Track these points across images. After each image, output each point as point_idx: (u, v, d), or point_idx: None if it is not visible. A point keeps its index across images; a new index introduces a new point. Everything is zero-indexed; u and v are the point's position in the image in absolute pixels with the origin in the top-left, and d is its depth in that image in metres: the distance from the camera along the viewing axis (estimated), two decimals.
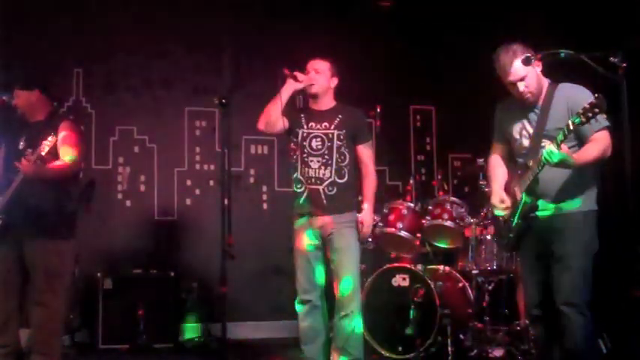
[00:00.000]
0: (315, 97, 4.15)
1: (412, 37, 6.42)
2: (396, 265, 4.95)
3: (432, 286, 4.72)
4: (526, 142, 3.43)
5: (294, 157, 4.13)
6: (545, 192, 3.33)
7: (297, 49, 5.96)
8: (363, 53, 6.25)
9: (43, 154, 3.67)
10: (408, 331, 4.63)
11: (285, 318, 5.18)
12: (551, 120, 3.32)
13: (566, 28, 5.59)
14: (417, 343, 4.61)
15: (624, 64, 3.00)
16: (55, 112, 4.18)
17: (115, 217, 5.86)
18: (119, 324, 5.26)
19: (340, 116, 4.11)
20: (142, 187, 5.96)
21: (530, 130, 3.40)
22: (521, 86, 3.31)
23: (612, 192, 3.54)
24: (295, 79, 4.03)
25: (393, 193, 6.02)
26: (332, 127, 4.09)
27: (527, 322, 4.52)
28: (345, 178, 4.07)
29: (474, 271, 4.92)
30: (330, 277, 4.11)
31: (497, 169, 3.64)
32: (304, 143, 4.08)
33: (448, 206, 5.00)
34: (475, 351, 4.68)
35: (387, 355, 4.75)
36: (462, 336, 4.78)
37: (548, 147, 3.10)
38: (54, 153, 3.79)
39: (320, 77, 4.10)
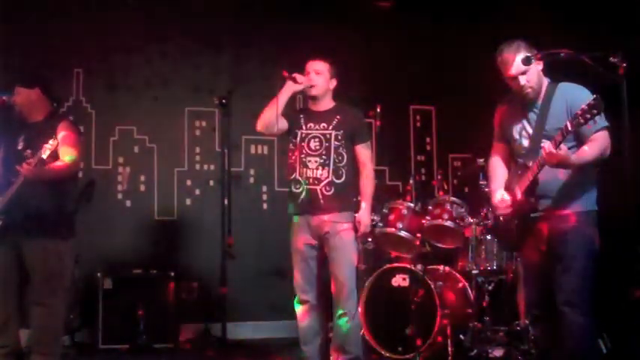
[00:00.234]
0: (314, 98, 4.15)
1: (412, 37, 6.42)
2: (396, 265, 4.95)
3: (432, 286, 4.72)
4: (526, 142, 3.43)
5: (293, 157, 4.13)
6: (545, 192, 3.33)
7: (297, 49, 5.98)
8: (363, 53, 6.26)
9: (44, 157, 3.66)
10: (408, 331, 4.63)
11: (285, 318, 5.17)
12: (550, 120, 3.32)
13: (566, 28, 5.58)
14: (417, 343, 4.61)
15: (624, 64, 3.00)
16: (54, 112, 4.18)
17: (115, 217, 5.85)
18: (119, 324, 5.26)
19: (338, 116, 4.12)
20: (142, 187, 5.96)
21: (530, 130, 3.41)
22: (522, 80, 3.30)
23: (612, 192, 3.53)
24: (295, 80, 4.03)
25: (393, 193, 6.01)
26: (330, 127, 4.09)
27: (527, 322, 4.52)
28: (343, 179, 4.07)
29: (474, 271, 4.92)
30: (328, 276, 4.11)
31: (498, 169, 3.64)
32: (302, 144, 4.09)
33: (448, 206, 5.00)
34: (475, 351, 4.67)
35: (387, 355, 4.75)
36: (462, 336, 4.78)
37: (547, 147, 3.10)
38: (54, 155, 3.79)
39: (319, 78, 4.11)
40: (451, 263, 5.19)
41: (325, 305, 4.19)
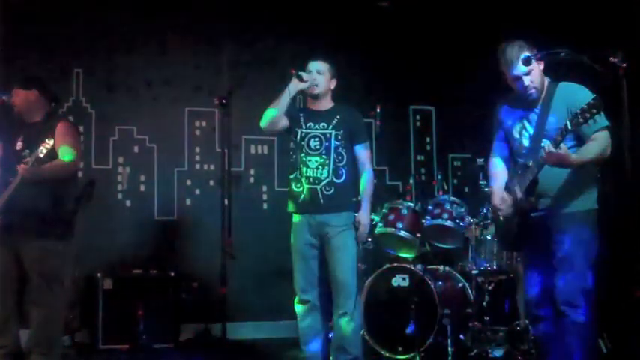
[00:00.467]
0: (315, 97, 4.16)
1: (412, 37, 6.42)
2: (396, 265, 4.95)
3: (432, 286, 4.72)
4: (526, 142, 3.43)
5: (293, 156, 4.14)
6: (546, 192, 3.33)
7: (297, 49, 6.01)
8: (363, 53, 6.25)
9: (41, 156, 3.67)
10: (408, 331, 4.63)
11: (285, 318, 5.17)
12: (550, 120, 3.32)
13: (566, 28, 5.58)
14: (417, 343, 4.61)
15: (624, 64, 3.00)
16: (53, 113, 4.18)
17: (115, 217, 5.85)
18: (119, 324, 5.26)
19: (338, 116, 4.12)
20: (142, 187, 5.96)
21: (530, 130, 3.41)
22: (526, 80, 3.30)
23: (612, 192, 3.54)
24: (301, 79, 4.04)
25: (393, 193, 6.02)
26: (330, 127, 4.10)
27: (527, 322, 4.52)
28: (343, 178, 4.08)
29: (474, 271, 4.92)
30: (329, 276, 4.11)
31: (497, 169, 3.63)
32: (302, 143, 4.09)
33: (448, 206, 5.00)
34: (475, 351, 4.67)
35: (387, 355, 4.75)
36: (462, 336, 4.78)
37: (547, 146, 3.10)
38: (52, 155, 3.80)
39: (321, 78, 4.12)
40: (451, 263, 5.19)
41: (325, 305, 4.19)
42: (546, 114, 3.34)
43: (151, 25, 6.00)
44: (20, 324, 4.03)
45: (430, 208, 5.06)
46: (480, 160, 4.88)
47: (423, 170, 6.60)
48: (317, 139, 4.09)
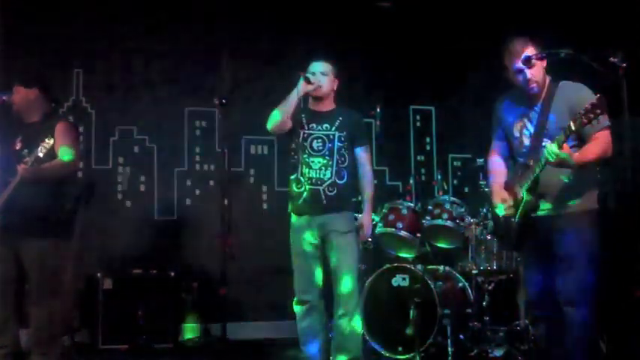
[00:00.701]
0: (319, 98, 4.16)
1: (412, 37, 6.42)
2: (396, 265, 4.95)
3: (432, 286, 4.72)
4: (526, 141, 3.42)
5: (295, 157, 4.13)
6: (547, 191, 3.32)
7: (297, 50, 6.01)
8: (363, 53, 6.25)
9: (40, 155, 3.67)
10: (408, 331, 4.62)
11: (285, 318, 5.17)
12: (551, 119, 3.31)
13: (566, 28, 5.58)
14: (417, 343, 4.61)
15: (624, 64, 3.00)
16: (52, 113, 4.18)
17: (115, 217, 5.85)
18: (119, 324, 5.26)
19: (341, 118, 4.13)
20: (142, 187, 5.96)
21: (531, 129, 3.39)
22: (528, 74, 3.29)
23: (612, 192, 3.54)
24: (308, 81, 4.03)
25: (393, 193, 6.02)
26: (333, 128, 4.10)
27: (527, 322, 4.52)
28: (345, 179, 4.08)
29: (474, 271, 4.92)
30: (329, 276, 4.11)
31: (497, 167, 3.62)
32: (305, 144, 4.09)
33: (448, 206, 5.00)
34: (475, 351, 4.68)
35: (387, 355, 4.75)
36: (461, 336, 4.78)
37: (549, 146, 3.09)
38: (51, 154, 3.80)
39: (325, 79, 4.12)
40: (451, 263, 5.19)
41: (325, 305, 4.19)
42: (547, 113, 3.33)
43: (151, 24, 5.99)
44: (20, 324, 4.03)
45: (430, 208, 5.06)
46: (480, 160, 4.89)
47: (423, 170, 6.60)
48: (320, 140, 4.10)
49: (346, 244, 4.05)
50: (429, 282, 4.74)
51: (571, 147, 3.20)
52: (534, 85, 3.32)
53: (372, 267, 5.04)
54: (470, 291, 4.93)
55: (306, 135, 4.11)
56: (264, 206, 6.20)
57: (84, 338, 5.35)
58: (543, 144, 3.24)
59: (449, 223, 4.94)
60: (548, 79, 3.40)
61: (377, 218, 4.94)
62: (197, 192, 6.06)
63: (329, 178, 4.05)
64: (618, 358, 4.32)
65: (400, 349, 4.71)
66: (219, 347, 5.13)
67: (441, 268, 5.10)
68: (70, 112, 5.77)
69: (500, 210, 3.49)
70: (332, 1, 6.23)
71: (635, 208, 3.25)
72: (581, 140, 3.28)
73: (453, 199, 5.09)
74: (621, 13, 5.54)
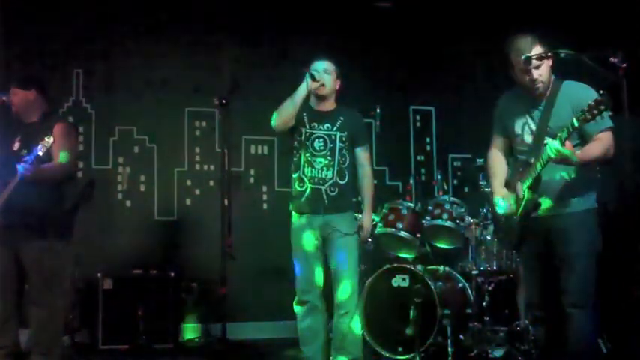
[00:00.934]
0: (321, 98, 4.16)
1: (412, 38, 6.42)
2: (396, 265, 4.94)
3: (432, 286, 4.72)
4: (528, 139, 3.40)
5: (297, 155, 4.14)
6: (547, 190, 3.31)
7: (297, 50, 6.00)
8: (363, 53, 6.25)
9: (40, 154, 3.67)
10: (408, 331, 4.62)
11: (285, 318, 5.16)
12: (554, 117, 3.29)
13: (566, 28, 5.58)
14: (417, 343, 4.61)
15: (624, 64, 2.99)
16: (50, 113, 4.18)
17: (115, 217, 5.85)
18: (119, 324, 5.26)
19: (342, 118, 4.13)
20: (142, 187, 5.96)
21: (533, 127, 3.37)
22: (535, 73, 3.26)
23: (612, 192, 3.54)
24: (314, 78, 4.03)
25: (393, 193, 6.02)
26: (334, 128, 4.11)
27: (527, 322, 4.52)
28: (346, 179, 4.10)
29: (474, 271, 4.92)
30: (330, 276, 4.11)
31: (498, 164, 3.61)
32: (307, 143, 4.10)
33: (448, 206, 5.00)
34: (475, 351, 4.67)
35: (387, 355, 4.75)
36: (461, 336, 4.78)
37: (552, 143, 3.07)
38: (50, 153, 3.80)
39: (329, 78, 4.12)
40: (451, 263, 5.19)
41: (325, 305, 4.19)
42: (550, 111, 3.31)
43: (151, 24, 5.99)
44: (20, 324, 4.03)
45: (430, 208, 5.06)
46: (480, 160, 4.88)
47: (423, 170, 6.59)
48: (321, 140, 4.10)
49: (347, 245, 4.05)
50: (429, 282, 4.73)
51: (574, 146, 3.18)
52: (540, 84, 3.30)
53: (372, 267, 5.03)
54: (470, 291, 4.93)
55: (308, 134, 4.11)
56: (264, 206, 6.19)
57: (84, 338, 5.35)
58: (545, 142, 3.23)
59: (449, 224, 4.94)
60: (552, 77, 3.39)
61: (377, 218, 4.94)
62: (197, 192, 6.06)
63: (331, 178, 4.05)
64: (618, 358, 4.33)
65: (400, 349, 4.71)
66: (219, 347, 5.12)
67: (441, 268, 5.10)
68: (70, 112, 5.77)
69: (500, 207, 3.47)
70: (332, 1, 6.23)
71: (635, 208, 3.25)
72: (582, 140, 3.27)
73: (453, 199, 5.09)
74: (621, 13, 5.54)
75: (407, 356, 4.67)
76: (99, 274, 5.34)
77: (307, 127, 4.12)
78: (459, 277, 5.04)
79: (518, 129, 3.45)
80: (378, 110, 5.19)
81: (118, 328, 5.25)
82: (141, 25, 5.98)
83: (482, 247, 4.95)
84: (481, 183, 4.99)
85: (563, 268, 3.28)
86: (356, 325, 4.10)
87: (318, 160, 4.07)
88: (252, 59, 6.20)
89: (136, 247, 5.78)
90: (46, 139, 3.69)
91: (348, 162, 4.11)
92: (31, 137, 3.87)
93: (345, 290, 4.04)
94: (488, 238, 4.93)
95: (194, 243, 5.92)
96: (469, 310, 4.87)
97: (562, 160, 3.11)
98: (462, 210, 5.02)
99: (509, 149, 3.58)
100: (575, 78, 3.40)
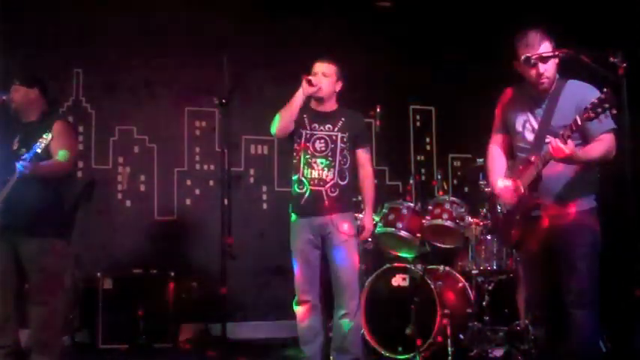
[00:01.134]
0: (320, 100, 4.16)
1: (412, 37, 6.42)
2: (396, 265, 4.94)
3: (432, 286, 4.72)
4: (529, 136, 3.38)
5: (296, 157, 4.13)
6: (548, 189, 3.29)
7: (297, 50, 6.00)
8: (363, 53, 6.25)
9: (38, 151, 3.67)
10: (408, 331, 4.63)
11: (285, 318, 5.17)
12: (557, 116, 3.28)
13: (566, 28, 5.58)
14: (417, 343, 4.61)
15: (624, 64, 2.99)
16: (50, 113, 4.18)
17: (115, 217, 5.85)
18: (119, 324, 5.26)
19: (343, 119, 4.14)
20: (142, 187, 5.96)
21: (535, 124, 3.35)
22: (542, 67, 3.23)
23: (612, 192, 3.53)
24: (310, 83, 4.03)
25: (393, 193, 6.02)
26: (335, 129, 4.11)
27: (527, 322, 4.52)
28: (347, 180, 4.10)
29: (474, 271, 4.92)
30: (329, 276, 4.11)
31: (497, 159, 3.58)
32: (307, 144, 4.10)
33: (448, 206, 5.00)
34: (475, 351, 4.67)
35: (387, 355, 4.75)
36: (461, 336, 4.78)
37: (554, 141, 3.05)
38: (49, 151, 3.80)
39: (327, 80, 4.12)
40: (451, 263, 5.19)
41: (325, 305, 4.19)
42: (553, 110, 3.29)
43: (151, 25, 5.99)
44: (20, 324, 4.03)
45: (430, 208, 5.05)
46: (480, 160, 4.86)
47: (423, 170, 6.60)
48: (322, 141, 4.10)
49: (347, 245, 4.05)
50: (429, 282, 4.73)
51: (576, 145, 3.17)
52: (546, 79, 3.27)
53: (372, 267, 5.04)
54: (470, 291, 4.93)
55: (308, 135, 4.11)
56: (264, 206, 6.20)
57: (84, 338, 5.35)
58: (546, 140, 3.22)
59: (449, 223, 4.94)
60: (556, 76, 3.37)
61: (377, 218, 4.94)
62: (197, 192, 6.07)
63: (331, 179, 4.06)
64: (618, 358, 4.32)
65: (400, 349, 4.71)
66: (219, 347, 5.13)
67: (441, 268, 5.10)
68: (70, 112, 5.77)
69: (505, 200, 3.43)
70: (332, 0, 6.23)
71: (635, 208, 3.24)
72: (585, 140, 3.25)
73: (453, 199, 5.08)
74: (621, 13, 5.54)
75: (407, 356, 4.67)
76: (99, 274, 5.34)
77: (308, 128, 4.12)
78: (459, 277, 5.04)
79: (519, 126, 3.43)
80: (378, 110, 5.19)
81: (118, 328, 5.25)
82: (141, 25, 5.98)
83: (482, 247, 4.95)
84: (481, 183, 4.99)
85: (563, 268, 3.27)
86: (356, 324, 4.10)
87: (319, 160, 4.07)
88: (252, 59, 6.20)
89: (136, 247, 5.79)
90: (44, 136, 3.69)
91: (348, 163, 4.11)
92: (30, 136, 3.86)
93: (345, 290, 4.04)
94: (488, 237, 4.93)
95: (194, 243, 5.92)
96: (469, 310, 4.87)
97: (564, 158, 3.09)
98: (462, 210, 5.01)
99: (509, 145, 3.56)
100: (574, 78, 3.39)
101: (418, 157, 6.64)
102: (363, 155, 4.18)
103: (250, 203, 6.11)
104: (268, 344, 5.63)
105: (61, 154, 3.88)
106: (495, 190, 3.50)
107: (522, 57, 3.23)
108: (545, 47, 3.23)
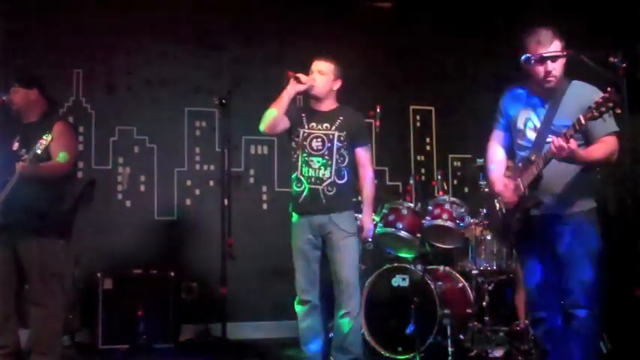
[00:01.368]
0: (316, 98, 4.15)
1: (412, 37, 6.42)
2: (396, 265, 4.95)
3: (432, 286, 4.72)
4: (530, 135, 3.37)
5: (295, 156, 4.14)
6: (548, 189, 3.28)
7: (297, 49, 6.00)
8: (363, 53, 6.25)
9: (38, 152, 3.67)
10: (408, 331, 4.63)
11: (285, 318, 5.18)
12: (560, 116, 3.26)
13: (566, 28, 5.58)
14: (417, 343, 4.61)
15: (624, 64, 2.98)
16: (50, 113, 4.18)
17: (115, 217, 5.85)
18: (119, 324, 5.26)
19: (341, 118, 4.13)
20: (142, 187, 5.96)
21: (537, 123, 3.34)
22: (550, 66, 3.22)
23: (612, 192, 3.54)
24: (298, 80, 4.03)
25: (393, 193, 6.01)
26: (333, 128, 4.10)
27: (527, 322, 4.52)
28: (345, 179, 4.08)
29: (474, 271, 4.92)
30: (330, 276, 4.11)
31: (498, 156, 3.57)
32: (305, 143, 4.10)
33: (448, 206, 5.00)
34: (475, 351, 4.68)
35: (387, 355, 4.75)
36: (462, 336, 4.78)
37: (557, 139, 3.04)
38: (49, 152, 3.80)
39: (323, 78, 4.11)
40: (451, 263, 5.20)
41: (325, 305, 4.19)
42: (556, 109, 3.28)
43: (150, 25, 5.99)
44: (20, 324, 4.03)
45: (430, 208, 5.05)
46: (480, 160, 4.87)
47: (423, 170, 6.60)
48: (319, 140, 4.09)
49: (346, 244, 4.05)
50: (429, 282, 4.74)
51: (578, 146, 3.16)
52: (553, 78, 3.25)
53: (372, 267, 5.04)
54: (470, 291, 4.93)
55: (306, 134, 4.11)
56: (264, 206, 6.19)
57: (84, 338, 5.35)
58: (548, 139, 3.21)
59: (449, 223, 4.94)
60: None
61: (377, 218, 4.94)
62: (197, 192, 6.06)
63: (328, 178, 4.05)
64: (618, 358, 4.32)
65: (400, 349, 4.71)
66: (219, 347, 5.13)
67: (441, 268, 5.10)
68: (70, 112, 5.77)
69: (505, 198, 3.41)
70: (332, 1, 6.23)
71: (635, 208, 3.24)
72: (587, 142, 3.24)
73: (453, 199, 5.09)
74: (621, 13, 5.54)
75: (407, 356, 4.67)
76: (99, 274, 5.34)
77: (306, 127, 4.12)
78: (459, 277, 5.04)
79: (520, 124, 3.41)
80: (378, 110, 5.19)
81: (118, 328, 5.25)
82: (141, 25, 5.98)
83: (482, 247, 4.95)
84: (481, 183, 4.99)
85: (564, 269, 3.27)
86: (356, 324, 4.10)
87: (316, 159, 4.07)
88: (252, 59, 6.20)
89: (136, 247, 5.78)
90: (44, 137, 3.69)
91: (346, 162, 4.10)
92: (30, 137, 3.87)
93: (345, 290, 4.04)
94: (488, 238, 4.93)
95: (194, 243, 5.92)
96: (469, 310, 4.87)
97: (567, 157, 3.08)
98: (462, 210, 5.02)
99: (510, 143, 3.55)
100: (575, 78, 3.39)
101: (418, 157, 6.64)
102: (363, 154, 4.17)
103: (250, 203, 6.10)
104: (268, 344, 5.63)
105: (61, 156, 3.88)
106: (495, 189, 3.49)
107: (522, 57, 3.22)
108: (556, 46, 3.21)
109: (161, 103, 6.04)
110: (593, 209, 3.34)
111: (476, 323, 4.78)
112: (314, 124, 4.12)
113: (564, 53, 3.23)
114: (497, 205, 3.54)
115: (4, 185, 3.81)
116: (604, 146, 3.19)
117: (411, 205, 5.05)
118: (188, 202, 6.04)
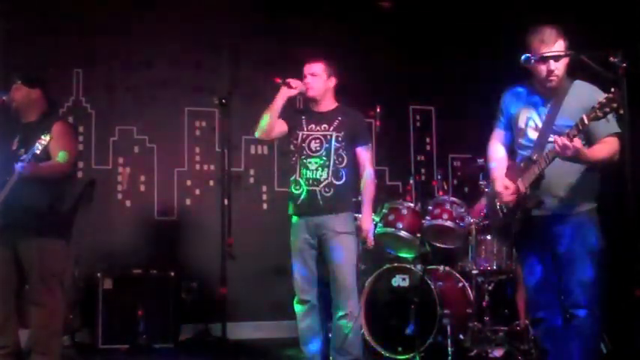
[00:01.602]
0: (313, 100, 4.16)
1: (412, 37, 6.42)
2: (396, 265, 4.95)
3: (432, 286, 4.72)
4: (531, 134, 3.36)
5: (293, 158, 4.14)
6: (549, 189, 3.27)
7: (297, 50, 6.00)
8: (363, 53, 6.25)
9: (37, 152, 3.67)
10: (408, 331, 4.62)
11: (285, 318, 5.17)
12: (561, 116, 3.26)
13: (566, 28, 5.58)
14: (417, 343, 4.61)
15: (624, 64, 2.98)
16: (50, 113, 4.18)
17: (115, 217, 5.85)
18: (119, 324, 5.26)
19: (340, 118, 4.12)
20: (142, 187, 5.96)
21: (539, 123, 3.33)
22: (553, 65, 3.20)
23: (612, 192, 3.53)
24: (289, 86, 4.03)
25: (393, 193, 6.02)
26: (331, 128, 4.10)
27: (527, 322, 4.52)
28: (343, 180, 4.07)
29: (474, 271, 4.92)
30: (328, 276, 4.11)
31: (499, 155, 3.56)
32: (303, 145, 4.10)
33: (448, 206, 5.00)
34: (475, 351, 4.67)
35: (387, 355, 4.75)
36: (462, 336, 4.78)
37: (560, 139, 3.03)
38: (48, 152, 3.80)
39: (316, 80, 4.11)
40: (451, 263, 5.19)
41: (325, 305, 4.19)
42: (558, 109, 3.27)
43: (150, 24, 5.99)
44: (20, 324, 4.03)
45: (430, 208, 5.05)
46: (480, 160, 4.88)
47: (423, 170, 6.60)
48: (317, 141, 4.09)
49: (344, 245, 4.04)
50: (429, 282, 4.73)
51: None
52: (555, 77, 3.24)
53: (372, 267, 5.03)
54: (470, 291, 4.93)
55: (304, 136, 4.11)
56: (264, 206, 6.20)
57: (84, 338, 5.35)
58: (550, 139, 3.20)
59: (449, 223, 4.94)
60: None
61: (377, 218, 4.94)
62: (197, 192, 6.07)
63: (325, 179, 4.04)
64: (618, 358, 4.32)
65: (400, 349, 4.71)
66: (219, 347, 5.13)
67: (441, 268, 5.09)
68: (70, 112, 5.77)
69: (505, 198, 3.40)
70: (332, 0, 6.23)
71: (635, 208, 3.24)
72: (589, 142, 3.23)
73: (453, 199, 5.08)
74: (621, 13, 5.53)
75: (407, 356, 4.67)
76: (99, 274, 5.34)
77: (305, 129, 4.12)
78: (459, 277, 5.04)
79: (521, 123, 3.40)
80: (378, 110, 5.19)
81: (118, 328, 5.26)
82: (141, 24, 5.98)
83: (482, 247, 4.95)
84: (481, 183, 4.99)
85: (564, 268, 3.26)
86: (356, 325, 4.10)
87: (313, 160, 4.06)
88: (252, 59, 6.20)
89: (136, 247, 5.78)
90: (42, 137, 3.69)
91: (345, 162, 4.08)
92: (30, 137, 3.86)
93: (342, 291, 4.03)
94: (488, 237, 4.93)
95: (194, 243, 5.92)
96: (469, 310, 4.87)
97: (571, 156, 3.06)
98: (462, 210, 5.01)
99: (511, 142, 3.54)
100: (575, 78, 3.39)
101: (418, 157, 6.64)
102: (362, 154, 4.16)
103: (250, 203, 6.10)
104: (268, 344, 5.64)
105: (60, 156, 3.87)
106: (496, 189, 3.49)
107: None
108: (560, 45, 3.21)
109: (161, 103, 6.04)
110: (594, 209, 3.34)
111: (476, 323, 4.78)
112: (312, 125, 4.12)
113: (564, 53, 3.22)
114: (498, 205, 3.53)
115: (3, 185, 3.81)
116: (607, 147, 3.19)
117: (411, 205, 5.05)
118: (188, 202, 6.05)
